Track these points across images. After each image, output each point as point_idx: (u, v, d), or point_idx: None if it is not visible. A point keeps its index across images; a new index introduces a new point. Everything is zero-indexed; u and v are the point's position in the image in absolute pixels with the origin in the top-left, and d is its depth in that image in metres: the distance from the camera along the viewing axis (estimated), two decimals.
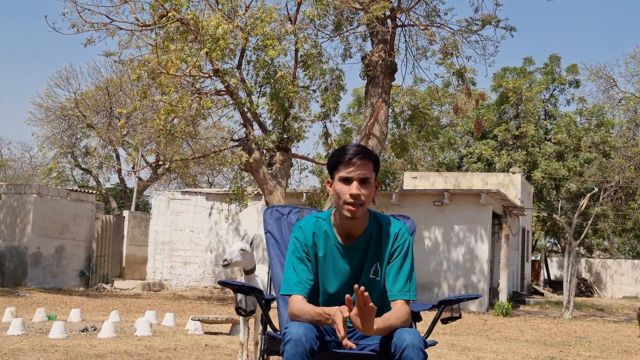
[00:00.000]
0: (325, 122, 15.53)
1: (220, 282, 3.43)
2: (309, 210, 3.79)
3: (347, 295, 2.73)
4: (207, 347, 7.93)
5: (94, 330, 9.20)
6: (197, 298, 18.15)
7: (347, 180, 2.97)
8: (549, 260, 34.16)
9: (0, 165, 34.57)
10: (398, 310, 2.93)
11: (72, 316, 10.75)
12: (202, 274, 20.68)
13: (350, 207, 2.96)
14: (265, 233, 3.67)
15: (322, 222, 3.12)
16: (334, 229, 3.09)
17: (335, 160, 3.03)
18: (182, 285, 20.61)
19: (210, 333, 9.55)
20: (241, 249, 5.97)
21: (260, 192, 15.36)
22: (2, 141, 42.85)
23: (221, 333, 9.61)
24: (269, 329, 3.32)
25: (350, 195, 2.95)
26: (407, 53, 15.62)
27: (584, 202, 18.11)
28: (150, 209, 24.48)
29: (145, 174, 27.94)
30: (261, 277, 6.53)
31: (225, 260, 5.92)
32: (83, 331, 9.13)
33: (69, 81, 27.28)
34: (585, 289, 29.82)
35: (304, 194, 18.60)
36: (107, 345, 7.66)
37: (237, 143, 14.87)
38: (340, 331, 2.69)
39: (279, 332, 3.17)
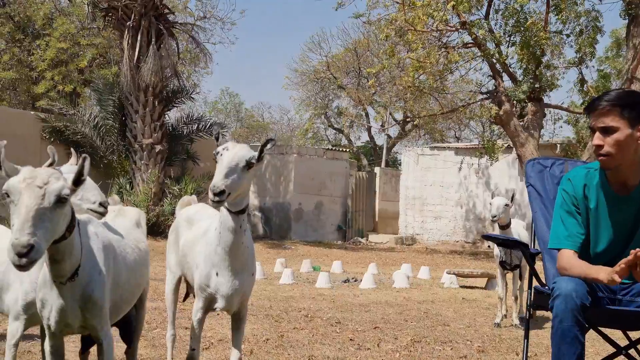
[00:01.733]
0: (580, 68, 14.67)
1: (485, 236, 3.45)
2: (573, 162, 3.65)
3: (637, 250, 2.59)
4: (464, 301, 8.02)
5: (355, 281, 9.74)
6: (449, 252, 18.30)
7: (592, 131, 2.87)
8: None
9: (262, 128, 37.51)
10: None
11: (334, 267, 11.48)
12: (452, 228, 20.76)
13: (599, 158, 2.86)
14: (528, 186, 3.61)
15: (593, 172, 3.00)
16: (607, 178, 2.96)
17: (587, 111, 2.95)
18: (434, 240, 20.88)
19: (466, 287, 9.61)
20: (505, 204, 6.06)
21: (511, 145, 14.95)
22: (263, 106, 46.44)
23: (477, 287, 9.62)
24: (535, 283, 3.28)
25: (594, 146, 2.85)
26: None
27: None
28: (400, 165, 25.04)
29: (394, 131, 28.56)
30: (517, 230, 6.44)
31: (495, 215, 6.04)
32: (345, 282, 9.73)
33: (320, 45, 28.68)
34: None
35: (558, 146, 17.74)
36: (368, 296, 8.08)
37: (486, 95, 14.61)
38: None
39: (546, 287, 3.12)
